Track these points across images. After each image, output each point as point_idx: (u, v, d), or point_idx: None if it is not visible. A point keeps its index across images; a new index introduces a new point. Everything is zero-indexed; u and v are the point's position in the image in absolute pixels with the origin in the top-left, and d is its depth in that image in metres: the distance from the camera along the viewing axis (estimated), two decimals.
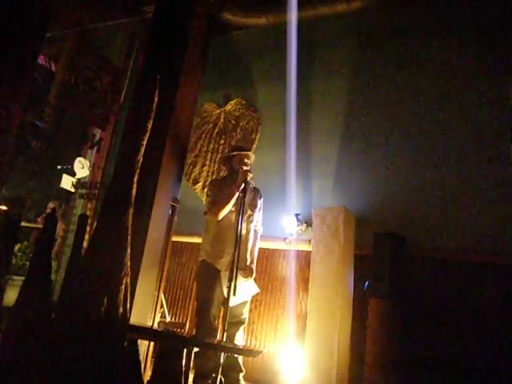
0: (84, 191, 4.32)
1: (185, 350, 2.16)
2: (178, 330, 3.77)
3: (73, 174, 4.54)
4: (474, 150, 3.43)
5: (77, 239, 2.42)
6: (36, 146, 5.08)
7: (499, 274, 3.03)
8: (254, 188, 3.20)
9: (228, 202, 2.92)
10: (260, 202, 3.22)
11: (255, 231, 3.17)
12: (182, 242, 4.41)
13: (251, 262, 3.06)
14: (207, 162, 4.75)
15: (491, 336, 2.87)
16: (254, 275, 3.04)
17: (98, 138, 4.87)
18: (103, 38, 5.28)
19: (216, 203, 2.97)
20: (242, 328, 2.98)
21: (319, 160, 4.10)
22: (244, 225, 2.94)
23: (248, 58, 4.82)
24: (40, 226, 4.79)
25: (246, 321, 3.03)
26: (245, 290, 2.94)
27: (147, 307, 2.91)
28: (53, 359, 1.94)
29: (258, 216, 3.20)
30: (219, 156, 4.68)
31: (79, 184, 4.38)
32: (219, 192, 3.00)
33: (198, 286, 3.04)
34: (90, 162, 4.84)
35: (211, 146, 4.80)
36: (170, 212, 3.16)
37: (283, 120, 4.16)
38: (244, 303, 2.98)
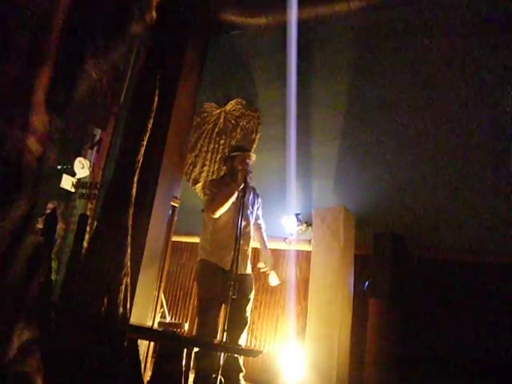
0: (84, 191, 4.32)
1: (185, 350, 2.16)
2: (177, 329, 3.76)
3: (73, 174, 4.54)
4: (475, 149, 3.43)
5: (77, 239, 2.42)
6: None
7: (499, 273, 3.03)
8: (252, 188, 3.22)
9: (227, 200, 2.93)
10: (259, 200, 3.25)
11: (260, 226, 3.22)
12: (182, 242, 4.41)
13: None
14: (207, 162, 4.76)
15: (491, 336, 2.87)
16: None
17: (98, 137, 4.87)
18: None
19: (214, 201, 2.97)
20: (245, 329, 2.97)
21: (319, 160, 4.10)
22: (244, 223, 2.95)
23: (248, 57, 4.82)
24: (40, 226, 4.78)
25: (249, 321, 3.02)
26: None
27: (147, 307, 2.90)
28: (53, 359, 1.94)
29: (259, 213, 3.24)
30: (219, 156, 4.68)
31: (79, 184, 4.38)
32: (218, 190, 3.01)
33: (199, 285, 3.04)
34: (90, 162, 4.84)
35: (211, 146, 4.80)
36: (170, 212, 3.16)
37: (283, 120, 4.16)
38: (247, 301, 2.96)
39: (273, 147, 4.31)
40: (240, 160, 3.10)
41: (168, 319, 3.86)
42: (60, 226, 4.74)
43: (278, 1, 3.99)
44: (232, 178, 3.07)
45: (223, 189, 3.01)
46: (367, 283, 3.10)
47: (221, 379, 2.69)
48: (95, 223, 2.38)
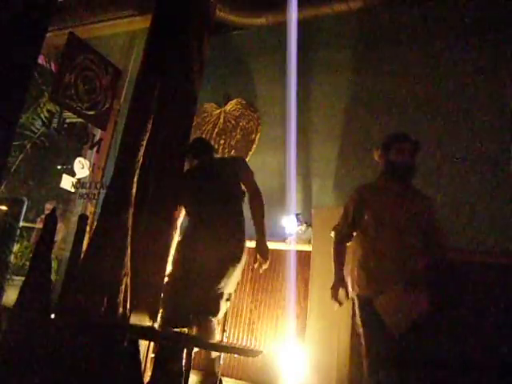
0: (84, 191, 4.32)
1: (185, 350, 2.16)
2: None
3: (73, 174, 4.55)
4: (475, 149, 3.44)
5: (77, 239, 2.41)
6: (36, 147, 5.08)
7: (500, 273, 3.02)
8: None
9: None
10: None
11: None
12: None
13: None
14: None
15: (492, 336, 2.87)
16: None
17: (97, 137, 4.87)
18: (103, 37, 5.28)
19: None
20: None
21: (319, 160, 4.10)
22: None
23: (248, 57, 4.82)
24: (40, 226, 4.80)
25: None
26: None
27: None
28: (53, 359, 1.94)
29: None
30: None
31: (79, 184, 4.38)
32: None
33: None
34: (90, 162, 4.85)
35: None
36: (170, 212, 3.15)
37: (283, 120, 4.16)
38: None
39: (273, 147, 4.31)
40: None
41: None
42: (60, 226, 4.75)
43: (278, 1, 3.99)
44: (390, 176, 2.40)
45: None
46: None
47: (220, 379, 2.69)
48: (95, 223, 2.38)
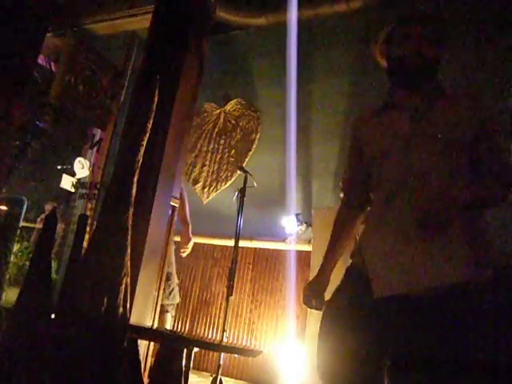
0: (84, 191, 4.33)
1: (185, 350, 2.16)
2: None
3: (73, 174, 4.55)
4: None
5: (77, 239, 2.42)
6: (36, 146, 5.09)
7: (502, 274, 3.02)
8: None
9: None
10: None
11: None
12: None
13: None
14: (207, 162, 4.76)
15: (493, 336, 2.87)
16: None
17: (97, 137, 4.88)
18: (103, 37, 5.28)
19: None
20: None
21: (319, 160, 4.10)
22: None
23: (248, 58, 4.83)
24: (40, 226, 4.80)
25: None
26: None
27: (147, 307, 2.90)
28: (53, 359, 1.94)
29: None
30: (219, 156, 4.69)
31: (79, 184, 4.38)
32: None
33: None
34: (90, 161, 4.85)
35: (211, 146, 4.80)
36: (170, 212, 3.16)
37: (283, 120, 4.16)
38: None
39: (273, 147, 4.31)
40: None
41: None
42: (60, 226, 4.75)
43: (278, 1, 3.99)
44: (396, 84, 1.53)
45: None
46: None
47: (221, 379, 2.69)
48: (95, 223, 2.38)
